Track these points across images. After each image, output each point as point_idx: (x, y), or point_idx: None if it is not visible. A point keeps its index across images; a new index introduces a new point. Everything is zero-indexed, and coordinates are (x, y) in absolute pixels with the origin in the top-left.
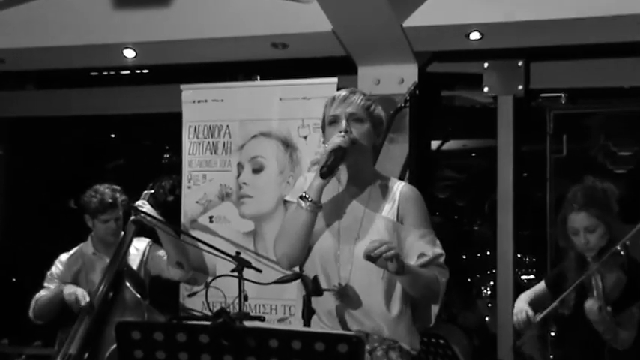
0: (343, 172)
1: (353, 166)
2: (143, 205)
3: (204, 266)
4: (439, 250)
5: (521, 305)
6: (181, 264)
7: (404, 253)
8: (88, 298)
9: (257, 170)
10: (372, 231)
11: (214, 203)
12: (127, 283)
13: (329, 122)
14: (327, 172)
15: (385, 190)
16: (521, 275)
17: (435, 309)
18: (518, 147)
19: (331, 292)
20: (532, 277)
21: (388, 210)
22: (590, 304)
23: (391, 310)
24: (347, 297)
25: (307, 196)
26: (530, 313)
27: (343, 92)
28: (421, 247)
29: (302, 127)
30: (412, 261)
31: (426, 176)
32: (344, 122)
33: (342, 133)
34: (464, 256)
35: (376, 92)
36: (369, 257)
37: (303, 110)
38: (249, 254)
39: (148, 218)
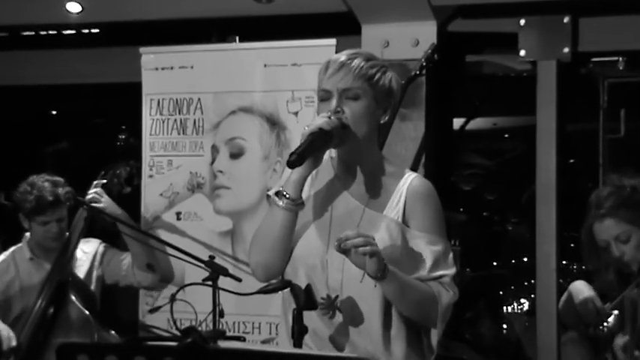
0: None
1: (347, 154)
2: (98, 196)
3: (169, 273)
4: (449, 268)
5: (585, 291)
6: (152, 266)
7: (406, 265)
8: (14, 342)
9: (236, 155)
10: (375, 232)
11: (183, 196)
12: (73, 297)
13: (320, 98)
14: (295, 159)
15: (391, 184)
16: (568, 286)
17: (434, 336)
18: (563, 126)
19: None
20: None
21: (392, 208)
22: (618, 342)
23: (390, 330)
24: (336, 313)
25: (284, 191)
26: (599, 303)
27: (341, 57)
28: (426, 258)
29: (292, 101)
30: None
31: (447, 163)
32: (334, 100)
33: (328, 113)
34: (494, 263)
35: (385, 57)
36: (340, 248)
37: (293, 80)
38: (225, 259)
39: (101, 213)
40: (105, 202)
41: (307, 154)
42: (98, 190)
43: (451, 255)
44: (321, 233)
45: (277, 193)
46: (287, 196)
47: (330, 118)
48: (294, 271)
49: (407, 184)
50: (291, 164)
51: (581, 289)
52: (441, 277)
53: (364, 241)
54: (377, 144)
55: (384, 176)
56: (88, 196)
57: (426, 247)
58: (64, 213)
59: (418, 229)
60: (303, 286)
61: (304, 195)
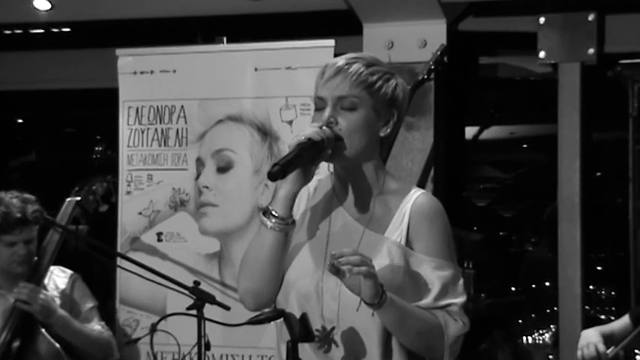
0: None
1: (343, 169)
2: (34, 295)
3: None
4: (458, 295)
5: (591, 336)
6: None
7: (409, 292)
8: None
9: (224, 169)
10: (375, 257)
11: (164, 214)
12: (42, 329)
13: (315, 105)
14: (277, 171)
15: (394, 202)
16: (595, 315)
17: None
18: (587, 135)
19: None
20: (611, 317)
21: (395, 229)
22: None
23: None
24: (332, 346)
25: (272, 209)
26: (602, 348)
27: (339, 61)
28: (432, 285)
29: (286, 109)
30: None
31: (459, 176)
32: (327, 110)
33: (320, 123)
34: (512, 288)
35: (387, 60)
36: (332, 268)
37: (286, 85)
38: (212, 285)
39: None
40: (45, 298)
41: (292, 166)
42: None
43: (461, 281)
44: (316, 256)
45: (265, 212)
46: (275, 214)
47: (321, 128)
48: (286, 298)
49: (411, 203)
50: (272, 176)
51: (588, 334)
52: (448, 305)
53: (360, 260)
54: (378, 158)
55: (386, 194)
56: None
57: (433, 272)
58: (33, 234)
59: (424, 253)
60: (296, 315)
61: (299, 211)
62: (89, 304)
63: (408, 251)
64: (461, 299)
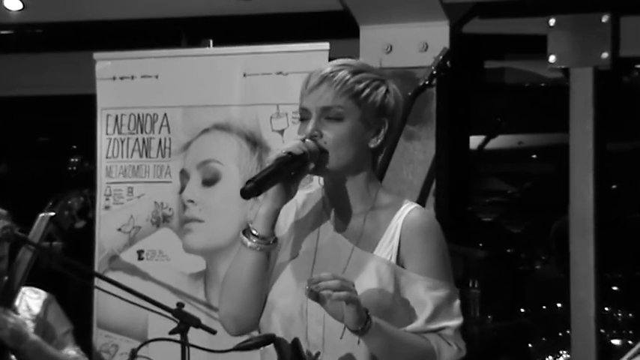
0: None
1: (330, 183)
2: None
3: None
4: (453, 318)
5: None
6: None
7: (400, 315)
8: None
9: (210, 181)
10: (359, 279)
11: (146, 231)
12: (12, 356)
13: (300, 117)
14: (250, 188)
15: (385, 217)
16: (611, 339)
17: None
18: (601, 145)
19: None
20: (628, 341)
21: (385, 247)
22: None
23: None
24: None
25: (252, 228)
26: None
27: (325, 69)
28: (424, 306)
29: (276, 117)
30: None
31: (463, 190)
32: (312, 121)
33: (303, 136)
34: (521, 310)
35: (386, 65)
36: (311, 293)
37: (278, 92)
38: (197, 307)
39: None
40: (15, 321)
41: (268, 183)
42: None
43: (457, 302)
44: (301, 275)
45: (245, 231)
46: (255, 233)
47: (304, 141)
48: (268, 320)
49: (402, 218)
50: (245, 194)
51: None
52: (442, 328)
53: (340, 284)
54: (370, 170)
55: (378, 209)
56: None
57: (426, 292)
58: (3, 252)
59: (416, 272)
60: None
61: (286, 227)
62: (64, 327)
63: (398, 270)
64: (456, 322)
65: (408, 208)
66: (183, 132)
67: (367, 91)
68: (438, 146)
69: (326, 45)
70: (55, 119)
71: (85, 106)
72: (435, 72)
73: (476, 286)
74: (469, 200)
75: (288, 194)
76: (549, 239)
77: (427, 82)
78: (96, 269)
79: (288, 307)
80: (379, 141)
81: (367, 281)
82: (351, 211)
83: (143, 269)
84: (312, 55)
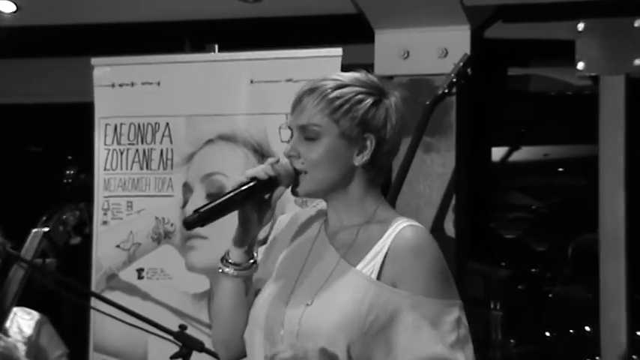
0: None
1: (325, 200)
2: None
3: None
4: (450, 347)
5: None
6: None
7: (378, 343)
8: None
9: (214, 195)
10: (333, 293)
11: (146, 248)
12: None
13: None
14: (192, 221)
15: (378, 232)
16: None
17: None
18: (633, 157)
19: None
20: None
21: (367, 262)
22: None
23: None
24: None
25: (227, 255)
26: None
27: (308, 85)
28: (406, 327)
29: (285, 127)
30: None
31: (484, 204)
32: (291, 142)
33: (274, 159)
34: (546, 334)
35: (402, 71)
36: None
37: (287, 100)
38: (201, 329)
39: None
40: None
41: (217, 215)
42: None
43: (450, 318)
44: (285, 286)
45: (222, 258)
46: (230, 260)
47: (277, 162)
48: (251, 335)
49: (393, 236)
50: (187, 225)
51: None
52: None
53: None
54: (362, 187)
55: (374, 223)
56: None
57: (410, 312)
58: None
59: (412, 292)
60: (259, 348)
61: (285, 240)
62: (58, 351)
63: (378, 286)
64: (452, 354)
65: (400, 226)
66: (186, 142)
67: (346, 106)
68: (457, 158)
69: (338, 50)
70: (50, 128)
71: (82, 114)
72: (454, 79)
73: (498, 307)
74: (491, 216)
75: (261, 219)
76: (569, 258)
77: (446, 91)
78: (93, 288)
79: (268, 314)
80: (365, 158)
81: (342, 295)
82: (346, 224)
83: (143, 289)
84: (324, 62)
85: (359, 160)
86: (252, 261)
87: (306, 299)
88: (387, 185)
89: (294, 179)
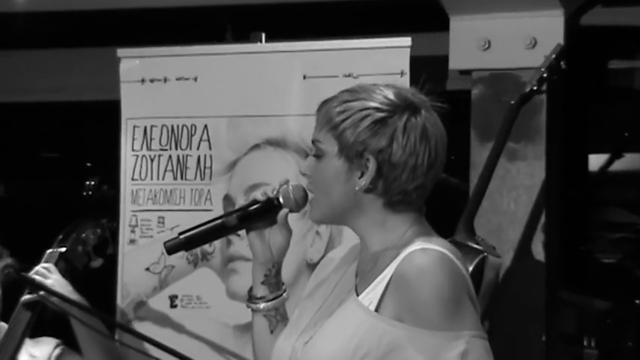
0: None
1: (356, 232)
2: (47, 273)
3: None
4: None
5: None
6: None
7: None
8: None
9: None
10: (329, 327)
11: (180, 271)
12: None
13: None
14: (177, 243)
15: (390, 256)
16: None
17: None
18: None
19: None
20: None
21: (369, 291)
22: None
23: None
24: None
25: (253, 292)
26: None
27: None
28: None
29: None
30: None
31: (580, 223)
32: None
33: (284, 180)
34: None
35: (482, 65)
36: None
37: None
38: None
39: (56, 299)
40: (54, 282)
41: (208, 236)
42: (48, 265)
43: (452, 354)
44: (306, 316)
45: (249, 296)
46: (251, 293)
47: (287, 183)
48: None
49: (399, 260)
50: (168, 249)
51: None
52: None
53: None
54: (377, 212)
55: (392, 248)
56: (36, 270)
57: (406, 347)
58: None
59: (419, 325)
60: None
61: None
62: None
63: (375, 319)
64: None
65: (411, 249)
66: (228, 148)
67: (347, 122)
68: (548, 168)
69: (407, 40)
70: (68, 131)
71: (106, 114)
72: (545, 74)
73: (592, 345)
74: (587, 237)
75: (279, 244)
76: None
77: (535, 88)
78: (118, 319)
79: (278, 351)
80: (364, 182)
81: (336, 328)
82: (371, 250)
83: (177, 319)
84: (390, 53)
85: (359, 184)
86: (276, 294)
87: (311, 330)
88: (463, 200)
89: (302, 202)
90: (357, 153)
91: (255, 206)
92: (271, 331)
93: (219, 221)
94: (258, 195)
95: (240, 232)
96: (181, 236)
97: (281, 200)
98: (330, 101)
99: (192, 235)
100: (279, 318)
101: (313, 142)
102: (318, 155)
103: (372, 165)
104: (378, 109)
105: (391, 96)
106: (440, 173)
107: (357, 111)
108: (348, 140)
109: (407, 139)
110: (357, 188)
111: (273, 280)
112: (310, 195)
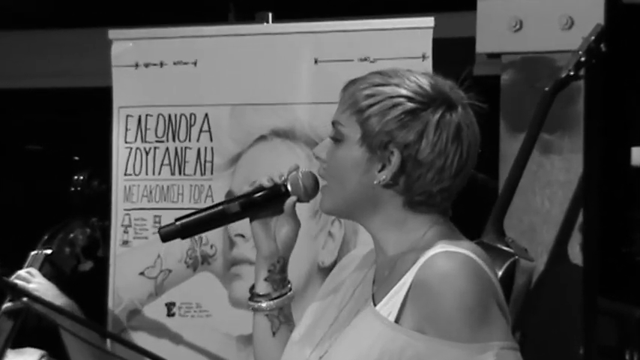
0: None
1: (370, 231)
2: (29, 277)
3: None
4: None
5: None
6: None
7: None
8: None
9: None
10: (346, 339)
11: (178, 276)
12: None
13: None
14: (173, 230)
15: (410, 260)
16: None
17: None
18: None
19: None
20: None
21: (388, 299)
22: None
23: None
24: None
25: (255, 289)
26: None
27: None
28: None
29: None
30: None
31: (620, 222)
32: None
33: (293, 166)
34: None
35: (513, 48)
36: None
37: None
38: None
39: (40, 305)
40: (37, 287)
41: (207, 224)
42: (31, 269)
43: None
44: (323, 323)
45: (251, 294)
46: (256, 292)
47: (297, 170)
48: None
49: (419, 265)
50: (163, 236)
51: None
52: None
53: None
54: (396, 210)
55: (412, 251)
56: (18, 274)
57: (431, 358)
58: None
59: (441, 337)
60: None
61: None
62: None
63: (394, 330)
64: None
65: (432, 252)
66: (230, 140)
67: (374, 108)
68: (586, 162)
69: (430, 20)
70: (53, 120)
71: (96, 102)
72: (583, 58)
73: (635, 358)
74: (629, 238)
75: (278, 238)
76: None
77: (572, 73)
78: (109, 328)
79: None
80: (384, 177)
81: (354, 341)
82: (388, 253)
83: (174, 329)
84: (410, 35)
85: (378, 178)
86: (280, 292)
87: (327, 342)
88: (491, 197)
89: (312, 191)
90: (380, 143)
91: (260, 193)
92: (273, 333)
93: (220, 207)
94: (264, 180)
95: (244, 234)
96: (177, 222)
97: (289, 187)
98: (357, 82)
99: (190, 222)
100: (282, 319)
101: (333, 123)
102: (337, 139)
103: (395, 159)
104: (410, 99)
105: (427, 86)
106: (468, 177)
107: (387, 97)
108: (373, 128)
109: (438, 137)
110: (375, 182)
111: (278, 276)
112: (322, 182)
